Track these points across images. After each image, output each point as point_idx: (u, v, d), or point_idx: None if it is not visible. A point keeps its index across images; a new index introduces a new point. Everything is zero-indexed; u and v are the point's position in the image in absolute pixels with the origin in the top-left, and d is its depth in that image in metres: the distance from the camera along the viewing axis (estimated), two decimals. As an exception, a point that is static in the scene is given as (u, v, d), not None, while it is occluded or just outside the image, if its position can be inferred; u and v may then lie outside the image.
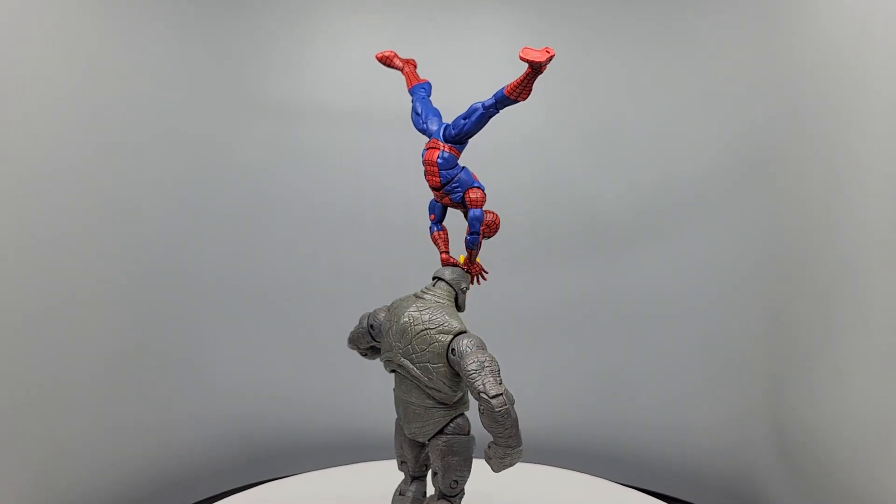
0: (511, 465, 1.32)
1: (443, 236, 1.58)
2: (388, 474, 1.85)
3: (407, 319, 1.42)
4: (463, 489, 1.49)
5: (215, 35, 2.55)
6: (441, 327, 1.39)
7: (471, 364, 1.29)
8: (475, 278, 1.56)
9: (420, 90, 1.60)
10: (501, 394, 1.26)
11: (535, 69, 1.28)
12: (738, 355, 2.51)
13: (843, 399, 2.00)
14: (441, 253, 1.57)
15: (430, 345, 1.38)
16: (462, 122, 1.45)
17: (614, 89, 2.65)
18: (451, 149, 1.48)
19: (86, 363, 2.22)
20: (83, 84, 2.17)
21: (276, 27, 2.62)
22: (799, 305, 2.24)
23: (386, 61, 1.65)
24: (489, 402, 1.25)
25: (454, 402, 1.44)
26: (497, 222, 1.53)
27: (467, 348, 1.33)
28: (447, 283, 1.49)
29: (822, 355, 2.11)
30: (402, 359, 1.42)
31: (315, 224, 2.71)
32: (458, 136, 1.46)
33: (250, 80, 2.63)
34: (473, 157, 1.59)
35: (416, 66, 1.66)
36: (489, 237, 1.54)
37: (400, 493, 1.58)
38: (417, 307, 1.43)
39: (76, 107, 2.15)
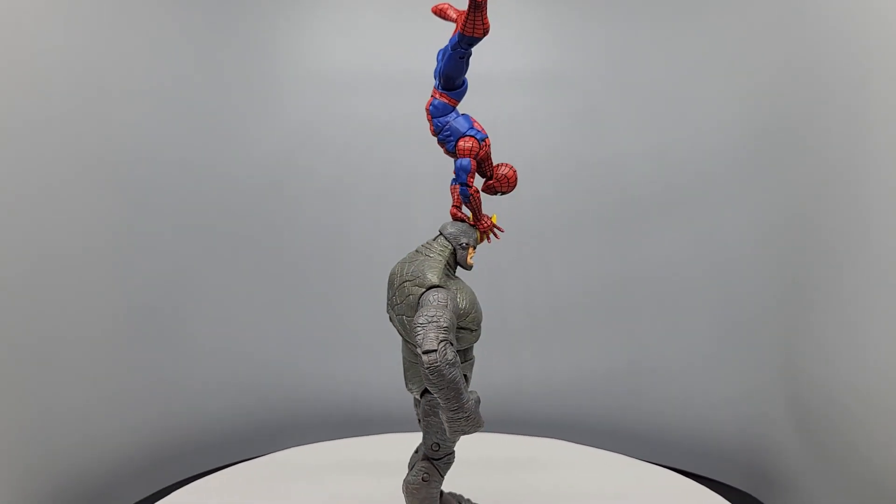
0: (462, 432, 1.25)
1: (457, 190, 1.51)
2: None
3: (394, 271, 1.44)
4: (450, 454, 1.48)
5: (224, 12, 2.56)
6: (417, 280, 1.37)
7: (421, 318, 1.26)
8: (487, 236, 1.50)
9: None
10: (435, 350, 1.20)
11: (474, 2, 1.28)
12: (754, 324, 2.51)
13: (859, 364, 2.00)
14: (451, 206, 1.53)
15: (406, 297, 1.37)
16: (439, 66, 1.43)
17: (644, 61, 2.62)
18: (441, 95, 1.44)
19: (84, 330, 2.22)
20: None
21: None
22: (814, 271, 2.24)
23: (441, 13, 1.58)
24: (420, 358, 1.20)
25: None
26: (510, 177, 1.48)
27: (428, 302, 1.30)
28: (445, 237, 1.47)
29: (837, 319, 2.10)
30: (390, 310, 1.44)
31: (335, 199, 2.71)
32: (443, 81, 1.42)
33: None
34: (502, 125, 1.54)
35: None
36: (505, 193, 1.50)
37: (416, 449, 1.60)
38: (407, 260, 1.44)
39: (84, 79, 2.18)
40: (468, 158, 1.43)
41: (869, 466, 1.95)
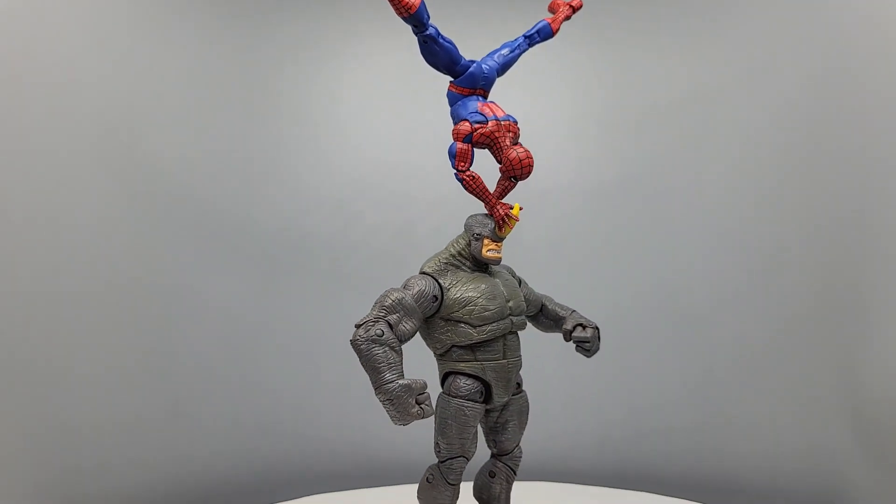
0: (393, 418, 1.27)
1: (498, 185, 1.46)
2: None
3: None
4: (452, 461, 1.40)
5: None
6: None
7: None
8: (500, 225, 1.43)
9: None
10: (360, 325, 1.29)
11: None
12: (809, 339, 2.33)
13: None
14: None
15: None
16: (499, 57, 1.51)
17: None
18: (450, 85, 1.47)
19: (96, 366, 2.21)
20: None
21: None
22: (866, 276, 2.10)
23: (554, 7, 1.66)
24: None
25: (439, 354, 1.44)
26: (521, 160, 1.40)
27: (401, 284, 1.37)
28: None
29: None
30: None
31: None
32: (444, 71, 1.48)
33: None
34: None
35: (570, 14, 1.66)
36: (519, 178, 1.43)
37: None
38: None
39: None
40: (453, 143, 1.41)
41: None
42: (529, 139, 1.49)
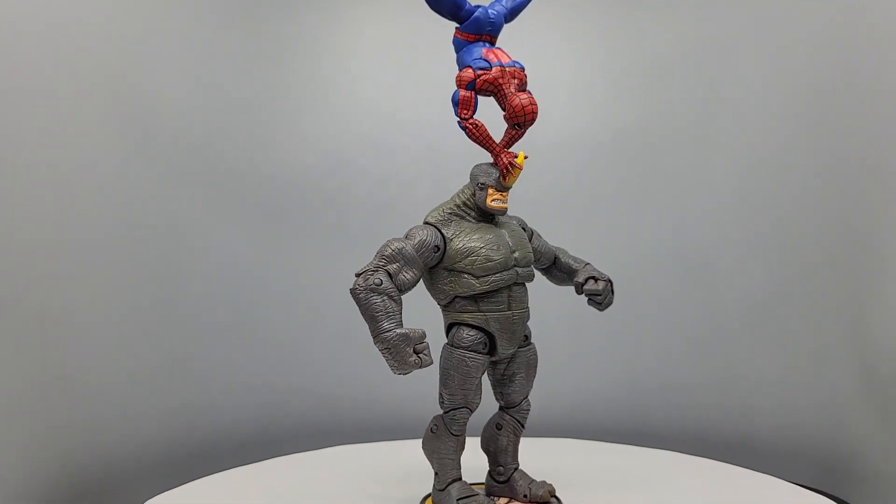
0: (392, 367, 1.28)
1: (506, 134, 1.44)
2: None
3: None
4: (455, 412, 1.40)
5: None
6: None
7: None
8: (504, 174, 1.40)
9: None
10: (360, 274, 1.31)
11: None
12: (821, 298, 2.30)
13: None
14: None
15: None
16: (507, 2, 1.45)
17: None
18: (455, 31, 1.43)
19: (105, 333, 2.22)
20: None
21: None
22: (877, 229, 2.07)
23: None
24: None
25: (444, 305, 1.44)
26: (524, 107, 1.36)
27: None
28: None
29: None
30: None
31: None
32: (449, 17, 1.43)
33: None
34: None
35: None
36: (523, 126, 1.39)
37: None
38: None
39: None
40: (456, 90, 1.37)
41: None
42: (538, 90, 1.44)
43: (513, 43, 1.52)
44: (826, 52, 2.26)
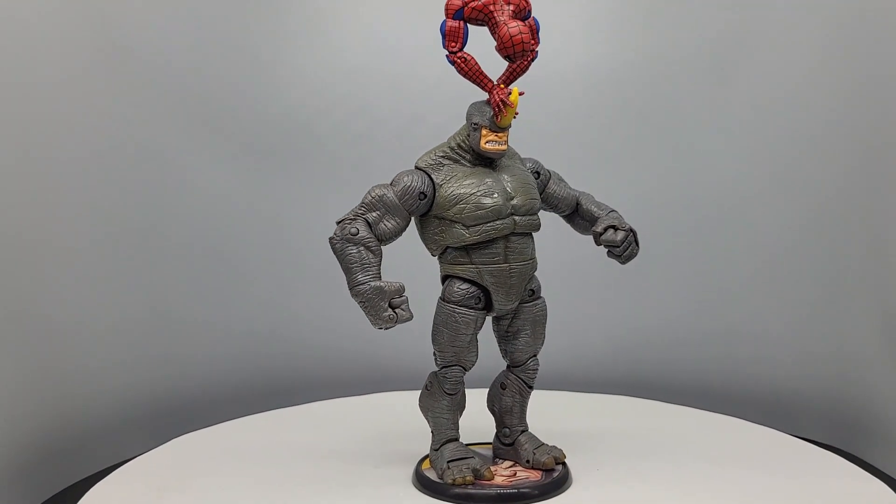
0: (370, 321, 1.24)
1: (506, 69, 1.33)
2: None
3: None
4: (447, 370, 1.35)
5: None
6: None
7: None
8: (496, 112, 1.28)
9: None
10: (340, 222, 1.27)
11: None
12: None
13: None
14: None
15: None
16: None
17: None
18: None
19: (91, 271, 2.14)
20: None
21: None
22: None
23: None
24: None
25: (438, 256, 1.37)
26: (512, 37, 1.23)
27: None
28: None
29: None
30: None
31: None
32: None
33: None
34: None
35: None
36: (513, 59, 1.27)
37: None
38: None
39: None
40: (447, 20, 1.25)
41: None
42: (546, 19, 1.33)
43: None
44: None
